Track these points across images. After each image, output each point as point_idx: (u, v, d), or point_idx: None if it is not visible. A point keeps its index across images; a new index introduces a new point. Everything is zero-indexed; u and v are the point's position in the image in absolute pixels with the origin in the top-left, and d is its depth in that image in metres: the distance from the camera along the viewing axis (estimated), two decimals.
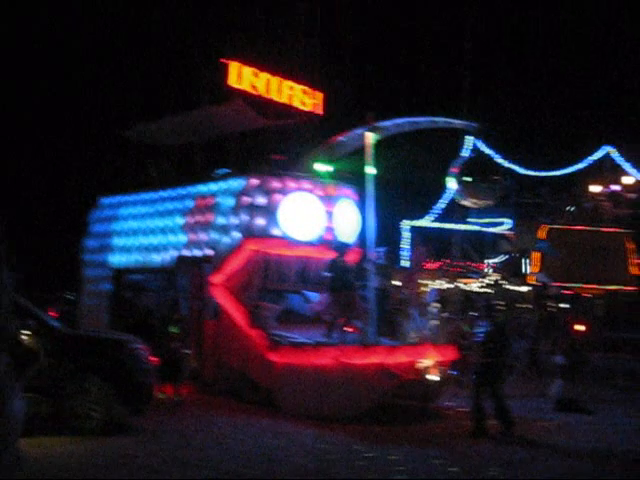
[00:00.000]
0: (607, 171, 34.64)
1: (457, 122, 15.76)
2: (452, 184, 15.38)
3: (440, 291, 20.36)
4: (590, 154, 35.43)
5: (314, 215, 14.74)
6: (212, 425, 11.08)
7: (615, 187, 34.39)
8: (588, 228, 32.25)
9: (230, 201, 14.68)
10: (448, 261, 29.01)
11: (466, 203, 14.81)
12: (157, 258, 16.14)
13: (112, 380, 10.10)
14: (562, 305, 22.34)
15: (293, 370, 12.31)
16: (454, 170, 14.05)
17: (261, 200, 14.41)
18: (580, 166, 35.50)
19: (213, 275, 14.38)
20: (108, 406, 10.05)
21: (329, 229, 14.92)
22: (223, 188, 15.09)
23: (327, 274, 13.55)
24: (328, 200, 15.00)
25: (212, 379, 14.16)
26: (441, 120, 15.50)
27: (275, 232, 14.35)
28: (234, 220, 14.46)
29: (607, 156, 35.09)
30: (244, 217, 14.33)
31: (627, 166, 35.48)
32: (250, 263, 14.35)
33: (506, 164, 32.46)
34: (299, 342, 12.86)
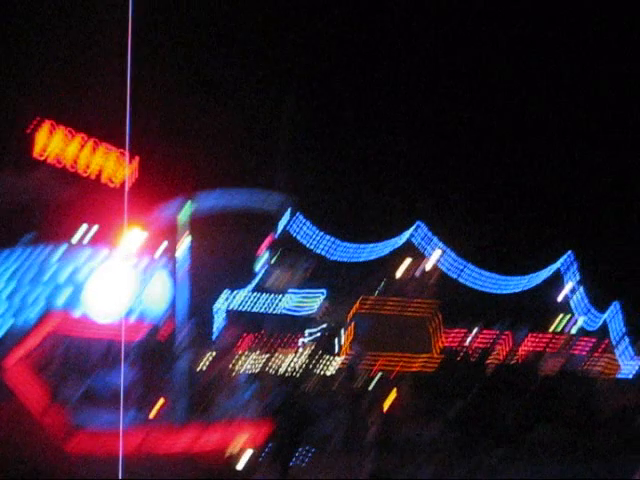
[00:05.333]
0: (417, 248, 36.56)
1: (272, 198, 15.98)
2: (261, 262, 15.65)
3: (254, 367, 20.19)
4: (402, 232, 37.32)
5: (124, 289, 14.10)
6: None
7: (424, 264, 36.32)
8: (396, 301, 33.66)
9: (31, 272, 13.77)
10: (262, 336, 29.03)
11: (274, 280, 14.98)
12: None
13: None
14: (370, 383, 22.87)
15: (93, 460, 11.44)
16: (264, 248, 14.25)
17: (66, 272, 13.63)
18: (392, 243, 37.26)
19: (8, 353, 13.23)
20: None
21: (140, 304, 14.35)
22: (24, 258, 14.13)
23: (137, 351, 12.99)
24: (140, 273, 14.45)
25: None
26: (257, 197, 15.64)
27: (80, 307, 13.54)
28: (35, 293, 13.55)
29: (417, 233, 37.12)
30: (46, 290, 13.46)
31: (434, 240, 37.69)
32: (51, 340, 13.39)
33: (319, 241, 33.38)
34: (101, 427, 12.03)
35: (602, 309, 46.36)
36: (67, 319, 13.46)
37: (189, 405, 12.99)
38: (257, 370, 18.96)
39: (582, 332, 43.73)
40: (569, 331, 42.68)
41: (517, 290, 43.19)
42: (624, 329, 45.34)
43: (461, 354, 33.52)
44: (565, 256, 45.75)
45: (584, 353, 41.00)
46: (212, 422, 12.96)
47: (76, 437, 11.82)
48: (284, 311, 32.30)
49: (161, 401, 13.01)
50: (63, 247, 13.90)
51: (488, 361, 32.40)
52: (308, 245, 32.34)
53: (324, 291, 33.27)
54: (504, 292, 42.43)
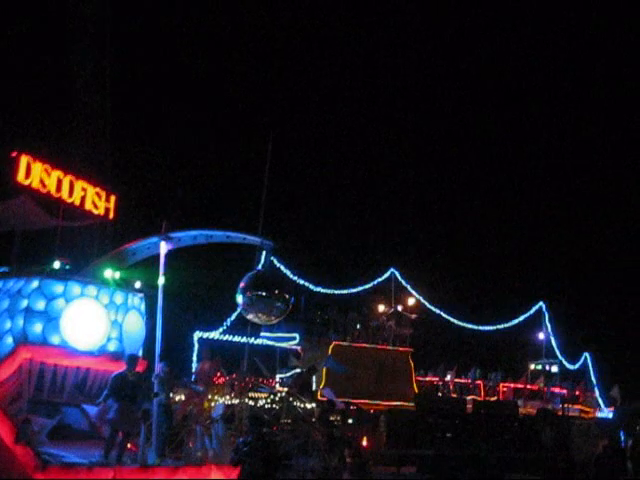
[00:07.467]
0: (392, 292, 36.70)
1: (251, 238, 15.86)
2: (239, 298, 15.55)
3: (227, 406, 19.85)
4: (377, 276, 37.53)
5: (98, 324, 13.91)
6: None
7: (398, 308, 36.44)
8: (372, 345, 33.60)
9: (5, 303, 13.56)
10: (236, 375, 28.72)
11: (250, 317, 14.93)
12: None
13: None
14: (347, 421, 22.65)
15: None
16: (242, 284, 14.22)
17: (40, 304, 13.43)
18: (367, 286, 37.39)
19: None
20: None
21: (113, 339, 14.15)
22: None
23: (110, 387, 12.75)
24: (114, 309, 14.29)
25: None
26: (235, 235, 15.54)
27: (53, 340, 13.32)
28: (7, 324, 13.32)
29: (392, 278, 37.29)
30: (18, 321, 13.23)
31: (409, 287, 37.92)
32: (22, 372, 13.09)
33: (297, 281, 33.33)
34: (71, 462, 11.74)
35: (574, 359, 46.78)
36: (41, 351, 13.24)
37: (161, 444, 12.78)
38: (229, 411, 18.61)
39: (560, 375, 43.96)
40: (545, 376, 42.84)
41: (491, 330, 43.57)
42: (594, 378, 45.68)
43: (435, 401, 33.42)
44: (537, 306, 46.26)
45: (564, 392, 41.11)
46: (182, 464, 12.78)
47: (45, 472, 11.51)
48: (259, 350, 32.03)
49: (133, 439, 12.77)
50: (40, 277, 13.72)
51: (462, 407, 32.28)
52: (280, 288, 32.17)
53: (296, 335, 33.12)
54: (479, 331, 42.76)
